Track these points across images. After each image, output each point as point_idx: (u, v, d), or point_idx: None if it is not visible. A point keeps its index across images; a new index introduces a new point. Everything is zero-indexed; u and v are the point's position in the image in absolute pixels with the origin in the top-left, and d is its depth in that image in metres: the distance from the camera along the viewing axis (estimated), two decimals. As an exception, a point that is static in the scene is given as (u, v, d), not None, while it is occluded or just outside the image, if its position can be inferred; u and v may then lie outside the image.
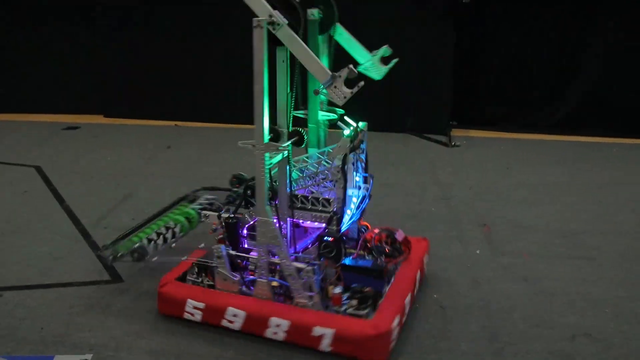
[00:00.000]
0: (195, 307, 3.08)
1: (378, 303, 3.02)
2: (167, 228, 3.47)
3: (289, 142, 3.01)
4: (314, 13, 3.14)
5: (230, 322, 3.02)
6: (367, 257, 3.32)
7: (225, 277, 3.13)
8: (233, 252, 3.15)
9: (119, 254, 3.30)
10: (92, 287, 3.52)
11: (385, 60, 3.31)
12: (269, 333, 2.95)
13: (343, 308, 3.01)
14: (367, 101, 6.64)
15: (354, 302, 3.01)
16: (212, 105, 7.15)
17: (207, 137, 6.73)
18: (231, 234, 3.18)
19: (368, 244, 3.36)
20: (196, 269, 3.25)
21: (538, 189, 5.25)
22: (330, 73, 2.77)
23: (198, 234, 3.58)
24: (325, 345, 2.86)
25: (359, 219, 3.43)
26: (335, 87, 2.78)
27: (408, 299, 3.14)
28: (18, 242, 4.14)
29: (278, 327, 2.93)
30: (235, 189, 3.41)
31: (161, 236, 3.41)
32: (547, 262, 3.92)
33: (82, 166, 5.78)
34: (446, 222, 4.54)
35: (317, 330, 2.86)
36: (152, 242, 3.36)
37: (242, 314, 2.99)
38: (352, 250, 3.34)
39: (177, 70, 7.32)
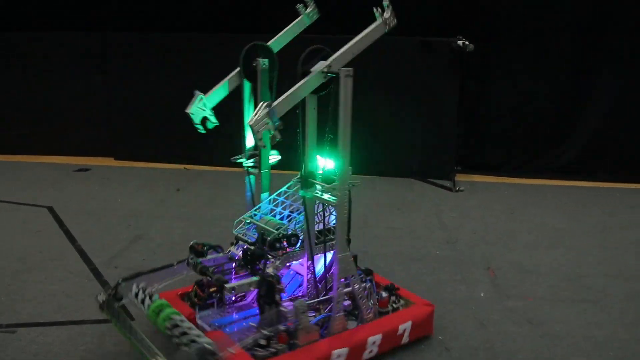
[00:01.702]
0: None
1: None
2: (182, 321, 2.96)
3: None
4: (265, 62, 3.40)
5: None
6: None
7: (308, 329, 3.11)
8: (309, 301, 3.22)
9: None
10: (104, 325, 3.58)
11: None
12: (365, 355, 3.20)
13: (389, 308, 3.47)
14: (373, 146, 6.83)
15: (393, 298, 3.52)
16: (221, 149, 7.27)
17: (216, 180, 6.84)
18: (271, 292, 3.08)
19: None
20: (262, 342, 3.04)
21: (542, 233, 5.32)
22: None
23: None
24: (406, 337, 3.34)
25: None
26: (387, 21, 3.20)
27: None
28: (31, 281, 4.21)
29: (374, 343, 3.20)
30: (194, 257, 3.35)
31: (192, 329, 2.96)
32: (552, 305, 3.97)
33: (93, 207, 5.87)
34: (451, 265, 4.60)
35: (401, 328, 3.30)
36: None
37: (344, 351, 3.10)
38: None
39: (186, 114, 7.46)
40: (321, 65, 2.99)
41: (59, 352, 3.31)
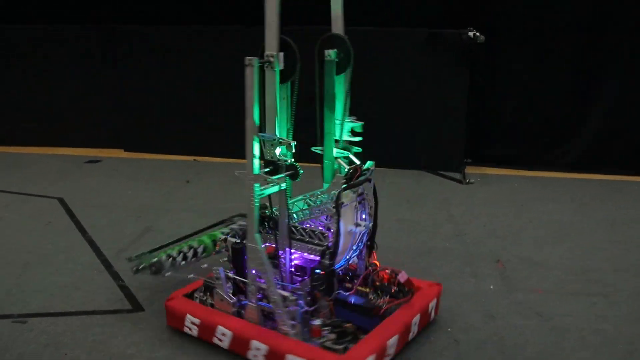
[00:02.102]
0: (192, 322, 3.30)
1: (359, 340, 3.07)
2: (190, 247, 3.75)
3: (282, 175, 3.08)
4: (330, 54, 3.27)
5: (220, 340, 3.20)
6: (370, 295, 3.35)
7: (222, 297, 3.31)
8: (231, 275, 3.33)
9: (142, 265, 3.62)
10: (114, 316, 3.61)
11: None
12: (250, 355, 3.10)
13: (321, 340, 3.08)
14: (382, 139, 6.82)
15: (333, 335, 3.10)
16: (231, 141, 7.28)
17: (226, 172, 6.84)
18: (235, 258, 3.34)
19: (376, 282, 3.41)
20: (203, 288, 3.42)
21: (551, 227, 5.30)
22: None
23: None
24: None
25: (369, 256, 3.52)
26: None
27: (392, 340, 3.10)
28: (42, 272, 4.25)
29: (258, 350, 3.06)
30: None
31: (181, 254, 3.68)
32: (561, 298, 3.96)
33: (103, 199, 5.91)
34: (460, 258, 4.59)
35: (290, 359, 2.95)
36: (171, 258, 3.64)
37: (229, 333, 3.16)
38: (350, 286, 3.42)
39: (196, 106, 7.48)
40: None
41: (69, 342, 3.34)
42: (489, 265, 4.47)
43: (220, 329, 3.18)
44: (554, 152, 7.17)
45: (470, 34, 6.51)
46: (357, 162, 3.43)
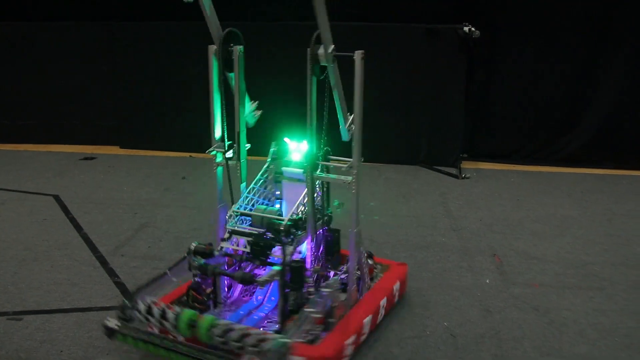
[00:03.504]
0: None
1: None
2: None
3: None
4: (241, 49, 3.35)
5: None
6: None
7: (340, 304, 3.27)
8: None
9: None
10: (110, 313, 3.59)
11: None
12: (379, 318, 3.44)
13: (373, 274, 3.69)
14: (379, 134, 6.81)
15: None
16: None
17: (232, 169, 6.81)
18: (300, 276, 3.17)
19: None
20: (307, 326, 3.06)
21: (549, 221, 5.30)
22: None
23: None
24: (397, 297, 3.67)
25: None
26: None
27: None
28: (37, 269, 4.23)
29: (383, 306, 3.46)
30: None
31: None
32: (558, 292, 3.96)
33: (99, 196, 5.89)
34: (457, 253, 4.59)
35: (395, 288, 3.65)
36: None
37: (369, 318, 3.31)
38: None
39: (192, 103, 7.46)
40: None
41: (65, 339, 3.33)
42: (486, 259, 4.47)
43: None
44: (550, 147, 7.17)
45: (466, 29, 6.51)
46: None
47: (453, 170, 6.78)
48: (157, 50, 7.54)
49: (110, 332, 2.97)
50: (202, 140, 7.42)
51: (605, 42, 6.76)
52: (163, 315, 2.86)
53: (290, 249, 3.10)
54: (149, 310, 2.91)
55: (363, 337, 3.26)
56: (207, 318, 2.81)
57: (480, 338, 3.40)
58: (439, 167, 6.93)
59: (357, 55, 2.97)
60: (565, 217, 5.40)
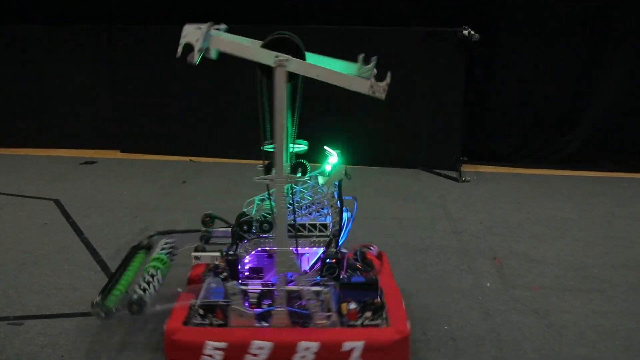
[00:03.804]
0: (216, 348, 3.05)
1: (384, 313, 3.20)
2: (152, 276, 3.26)
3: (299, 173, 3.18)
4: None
5: (255, 355, 3.04)
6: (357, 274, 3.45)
7: (241, 313, 3.14)
8: (246, 287, 3.21)
9: (113, 308, 3.07)
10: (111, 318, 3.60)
11: None
12: (297, 358, 3.03)
13: (359, 322, 3.19)
14: (378, 137, 6.82)
15: (368, 314, 3.23)
16: (227, 141, 7.30)
17: (222, 172, 6.84)
18: (233, 270, 3.23)
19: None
20: (200, 311, 3.22)
21: (549, 224, 5.31)
22: (364, 79, 2.94)
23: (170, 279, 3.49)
24: (355, 357, 3.00)
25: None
26: (373, 87, 2.99)
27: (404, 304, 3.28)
28: (38, 273, 4.23)
29: (307, 349, 3.02)
30: (207, 228, 3.49)
31: (150, 284, 3.20)
32: (558, 295, 3.96)
33: (100, 200, 5.89)
34: (457, 256, 4.59)
35: (347, 345, 2.99)
36: (146, 291, 3.14)
37: (268, 344, 3.03)
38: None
39: (192, 107, 7.47)
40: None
41: (66, 344, 3.33)
42: (486, 262, 4.47)
43: (256, 343, 3.03)
44: (550, 149, 7.17)
45: (466, 32, 6.52)
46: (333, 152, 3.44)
47: (453, 174, 6.78)
48: (158, 54, 7.54)
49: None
50: (202, 144, 7.53)
51: (605, 42, 6.76)
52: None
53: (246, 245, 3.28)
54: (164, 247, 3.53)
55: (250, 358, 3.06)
56: (153, 264, 3.33)
57: (480, 341, 3.41)
58: (439, 170, 6.93)
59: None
60: (565, 220, 5.41)
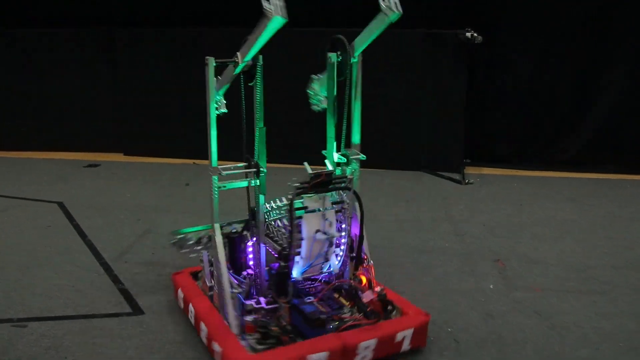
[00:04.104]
0: (180, 297, 3.65)
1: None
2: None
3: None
4: (331, 57, 3.29)
5: (189, 317, 3.48)
6: (345, 308, 3.31)
7: (204, 280, 3.55)
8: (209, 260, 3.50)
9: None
10: (114, 319, 3.61)
11: None
12: (201, 335, 3.28)
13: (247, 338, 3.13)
14: (381, 139, 6.83)
15: (257, 335, 3.11)
16: (230, 144, 7.31)
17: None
18: (229, 247, 3.49)
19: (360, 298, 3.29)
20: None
21: (551, 225, 5.31)
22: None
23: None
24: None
25: (355, 269, 3.44)
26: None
27: (318, 356, 2.94)
28: (41, 275, 4.25)
29: (202, 331, 3.25)
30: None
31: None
32: (560, 296, 3.96)
33: (103, 202, 5.91)
34: (459, 257, 4.60)
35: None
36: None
37: (193, 311, 3.41)
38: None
39: (195, 109, 7.48)
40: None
41: (70, 345, 3.34)
42: (489, 264, 4.48)
43: (190, 306, 3.42)
44: (552, 151, 7.19)
45: (468, 34, 6.53)
46: (330, 167, 3.44)
47: (456, 176, 6.79)
48: (160, 57, 7.58)
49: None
50: (205, 146, 7.53)
51: (605, 43, 6.78)
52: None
53: None
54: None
55: None
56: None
57: (482, 342, 3.41)
58: (442, 173, 6.94)
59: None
60: (567, 221, 5.41)
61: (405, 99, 7.06)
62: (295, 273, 3.27)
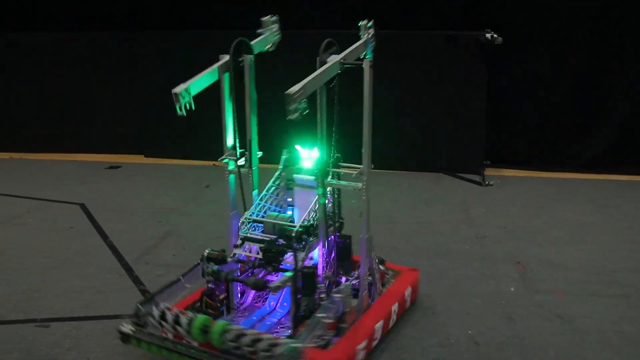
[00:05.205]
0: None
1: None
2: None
3: None
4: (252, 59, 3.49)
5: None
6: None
7: (352, 310, 3.31)
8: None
9: None
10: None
11: None
12: (391, 323, 3.49)
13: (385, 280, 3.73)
14: (401, 141, 6.82)
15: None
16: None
17: (243, 177, 6.85)
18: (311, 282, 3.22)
19: None
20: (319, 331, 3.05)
21: (571, 228, 5.27)
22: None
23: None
24: (408, 302, 3.71)
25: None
26: None
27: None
28: (64, 276, 4.30)
29: (395, 312, 3.50)
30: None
31: None
32: (582, 300, 3.93)
33: (124, 204, 5.96)
34: (480, 260, 4.58)
35: (406, 294, 3.66)
36: None
37: (380, 323, 3.34)
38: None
39: (215, 111, 7.52)
40: (336, 57, 3.08)
41: (93, 345, 3.38)
42: (509, 267, 4.45)
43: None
44: (573, 153, 7.12)
45: (488, 35, 6.50)
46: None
47: (476, 177, 6.75)
48: (180, 59, 7.61)
49: (125, 337, 3.04)
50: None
51: (622, 44, 6.70)
52: (176, 321, 2.91)
53: (301, 255, 3.12)
54: (163, 316, 2.96)
55: (375, 342, 3.28)
56: (219, 323, 2.85)
57: (503, 346, 3.39)
58: (462, 174, 6.91)
59: (366, 63, 3.03)
60: (588, 224, 5.36)
61: (425, 100, 7.04)
62: None
